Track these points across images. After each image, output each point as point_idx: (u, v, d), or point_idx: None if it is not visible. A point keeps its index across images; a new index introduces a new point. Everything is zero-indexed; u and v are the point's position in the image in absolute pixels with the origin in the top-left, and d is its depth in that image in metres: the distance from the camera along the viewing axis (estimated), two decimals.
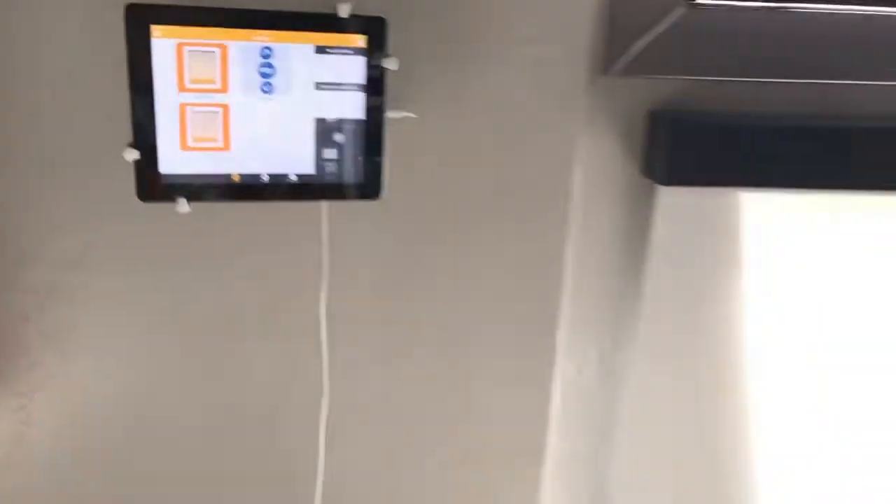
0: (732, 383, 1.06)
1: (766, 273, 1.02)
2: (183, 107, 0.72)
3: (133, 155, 0.72)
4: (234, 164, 0.75)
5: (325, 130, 0.76)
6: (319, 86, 0.75)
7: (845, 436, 1.12)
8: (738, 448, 1.09)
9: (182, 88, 0.71)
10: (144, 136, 0.72)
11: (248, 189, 0.76)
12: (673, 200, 0.97)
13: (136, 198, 0.73)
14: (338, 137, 0.77)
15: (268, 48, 0.72)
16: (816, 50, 0.93)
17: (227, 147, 0.74)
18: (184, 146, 0.73)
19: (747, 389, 1.06)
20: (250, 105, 0.74)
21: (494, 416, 1.01)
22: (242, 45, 0.72)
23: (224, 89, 0.73)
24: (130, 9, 0.69)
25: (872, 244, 1.05)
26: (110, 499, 0.98)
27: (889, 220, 1.05)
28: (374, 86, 0.76)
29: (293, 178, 0.77)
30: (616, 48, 0.92)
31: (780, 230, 1.02)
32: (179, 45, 0.70)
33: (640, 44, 0.86)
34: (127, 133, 0.71)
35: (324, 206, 0.84)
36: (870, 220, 1.04)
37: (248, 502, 1.02)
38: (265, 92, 0.74)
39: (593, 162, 0.96)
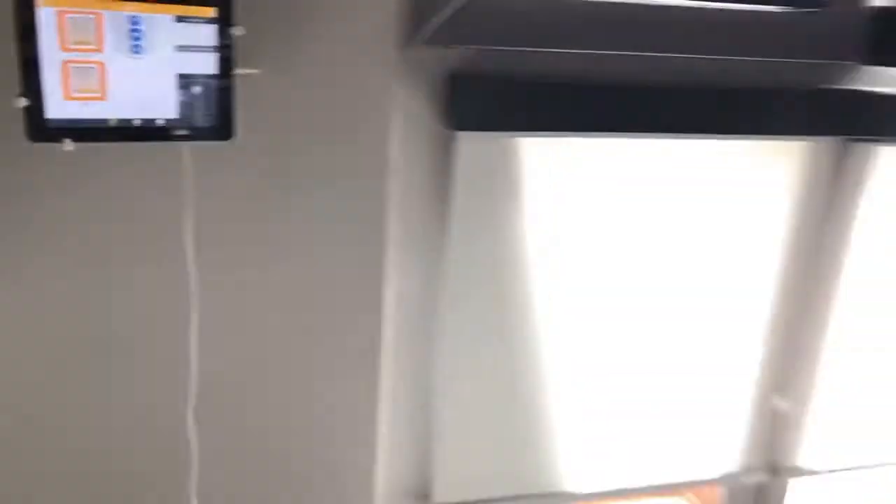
0: (520, 279, 1.36)
1: (542, 201, 1.32)
2: (65, 63, 0.89)
3: (23, 102, 0.88)
4: (111, 111, 0.93)
5: (185, 84, 0.95)
6: (179, 48, 0.94)
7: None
8: (534, 327, 1.40)
9: (64, 48, 0.88)
10: (33, 88, 0.88)
11: (123, 131, 0.94)
12: (468, 145, 1.24)
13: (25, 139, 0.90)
14: (196, 90, 0.96)
15: (136, 17, 0.90)
16: (585, 26, 1.24)
17: (104, 97, 0.92)
18: (67, 96, 0.90)
19: (533, 283, 1.37)
20: (122, 63, 0.91)
21: (339, 321, 1.24)
22: (115, 14, 0.89)
23: (100, 49, 0.90)
24: None
25: (632, 183, 1.38)
26: None
27: (644, 160, 1.38)
28: (224, 48, 0.96)
29: (160, 122, 0.96)
30: (418, 23, 1.17)
31: (554, 168, 1.32)
32: (61, 13, 0.87)
33: (435, 22, 1.12)
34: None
35: (186, 147, 1.03)
36: (629, 160, 1.37)
37: (125, 412, 1.19)
38: (135, 52, 0.92)
39: (405, 115, 1.21)
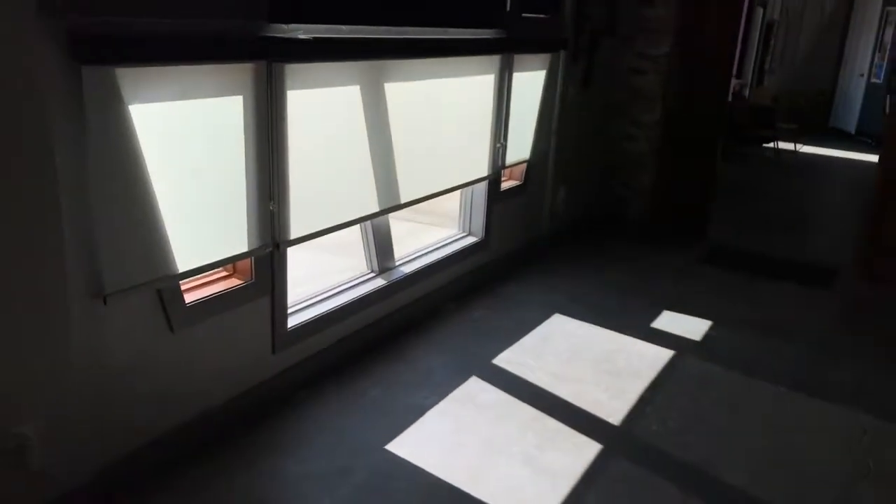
0: (129, 143, 2.39)
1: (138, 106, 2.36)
2: None
3: None
4: None
5: None
6: None
7: None
8: (140, 170, 2.44)
9: None
10: None
11: None
12: (91, 74, 2.20)
13: None
14: None
15: None
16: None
17: None
18: None
19: (134, 140, 2.41)
20: None
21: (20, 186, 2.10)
22: None
23: None
24: None
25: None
26: None
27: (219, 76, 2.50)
28: None
29: None
30: None
31: (150, 84, 2.36)
32: None
33: None
34: None
35: None
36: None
37: None
38: None
39: (47, 57, 2.11)
